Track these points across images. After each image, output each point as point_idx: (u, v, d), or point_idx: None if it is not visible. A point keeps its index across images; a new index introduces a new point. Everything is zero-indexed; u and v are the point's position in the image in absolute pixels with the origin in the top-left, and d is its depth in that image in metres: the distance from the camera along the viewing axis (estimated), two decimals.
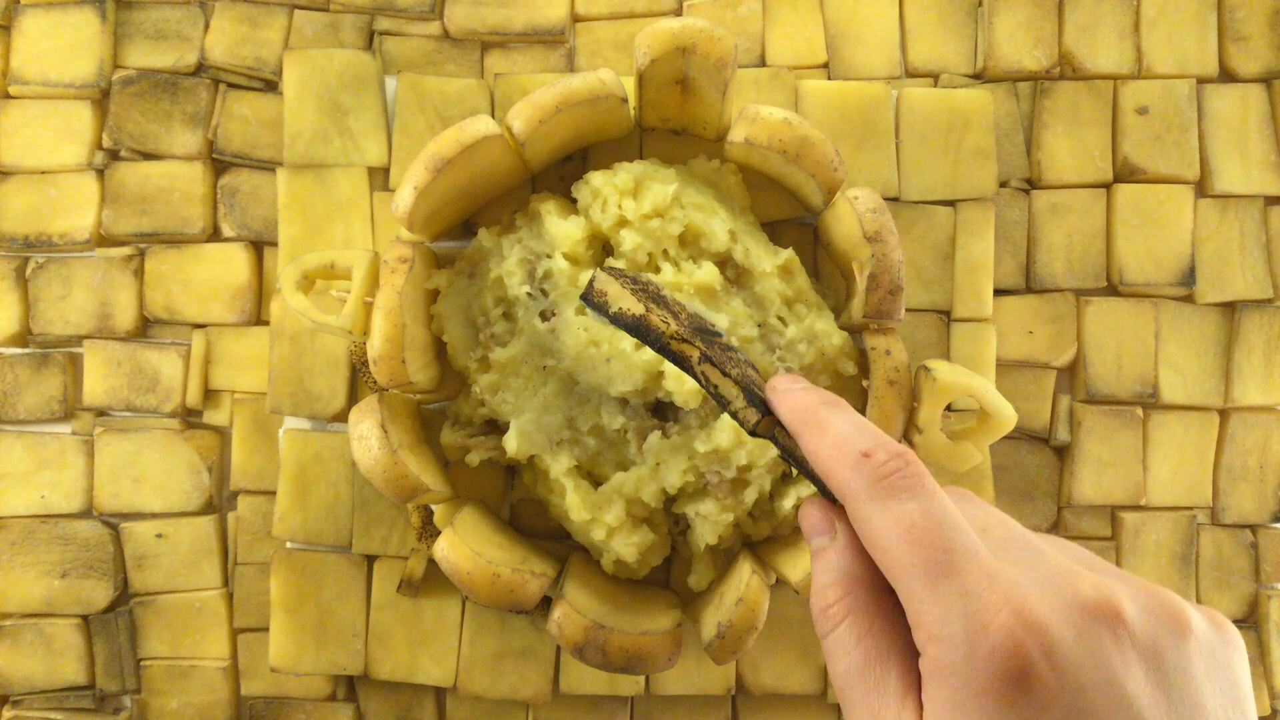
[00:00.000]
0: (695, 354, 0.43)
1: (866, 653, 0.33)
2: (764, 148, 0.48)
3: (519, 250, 0.50)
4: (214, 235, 0.58)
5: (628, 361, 0.48)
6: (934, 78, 0.59)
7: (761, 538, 0.52)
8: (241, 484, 0.57)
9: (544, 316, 0.50)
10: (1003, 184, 0.58)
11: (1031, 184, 0.58)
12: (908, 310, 0.55)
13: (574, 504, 0.50)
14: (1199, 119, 0.58)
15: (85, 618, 0.56)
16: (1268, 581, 0.58)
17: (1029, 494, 0.57)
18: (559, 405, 0.50)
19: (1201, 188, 0.58)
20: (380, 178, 0.56)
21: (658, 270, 0.50)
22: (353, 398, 0.55)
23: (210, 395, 0.57)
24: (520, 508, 0.55)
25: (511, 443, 0.50)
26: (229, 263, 0.57)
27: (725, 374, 0.42)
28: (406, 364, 0.47)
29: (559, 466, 0.50)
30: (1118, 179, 0.58)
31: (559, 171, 0.54)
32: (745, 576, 0.48)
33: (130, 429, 0.57)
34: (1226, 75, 0.59)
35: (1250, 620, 0.57)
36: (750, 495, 0.50)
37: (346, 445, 0.55)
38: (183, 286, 0.57)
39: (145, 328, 0.58)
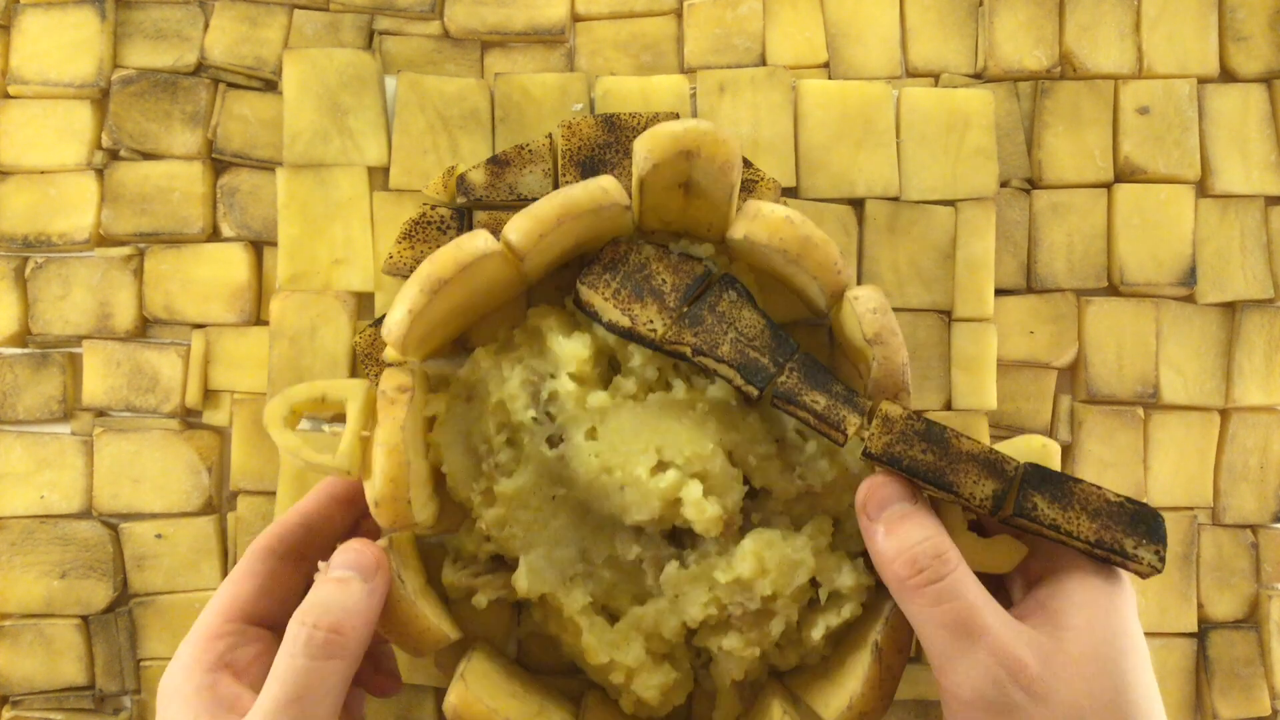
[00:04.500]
0: (688, 349, 0.45)
1: (981, 588, 0.42)
2: (764, 246, 0.45)
3: (520, 371, 0.47)
4: (214, 235, 0.58)
5: (643, 489, 0.45)
6: (934, 77, 0.58)
7: (789, 667, 0.49)
8: (241, 484, 0.56)
9: (551, 442, 0.47)
10: (1003, 184, 0.58)
11: (1032, 184, 0.58)
12: (908, 310, 0.55)
13: (590, 646, 0.47)
14: (1200, 119, 0.58)
15: (85, 618, 0.56)
16: (1268, 582, 0.58)
17: None
18: (571, 537, 0.48)
19: (1202, 188, 0.58)
20: (380, 177, 0.56)
21: (669, 388, 0.48)
22: None
23: (210, 395, 0.57)
24: (529, 641, 0.53)
25: (522, 582, 0.47)
26: (229, 263, 0.57)
27: (719, 360, 0.45)
28: (411, 504, 0.44)
29: (573, 604, 0.47)
30: (1118, 179, 0.58)
31: (556, 280, 0.51)
32: (776, 718, 0.45)
33: (130, 429, 0.57)
34: (1227, 75, 0.59)
35: (1250, 620, 0.57)
36: (776, 627, 0.47)
37: None
38: (182, 286, 0.57)
39: (145, 328, 0.58)
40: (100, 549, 0.56)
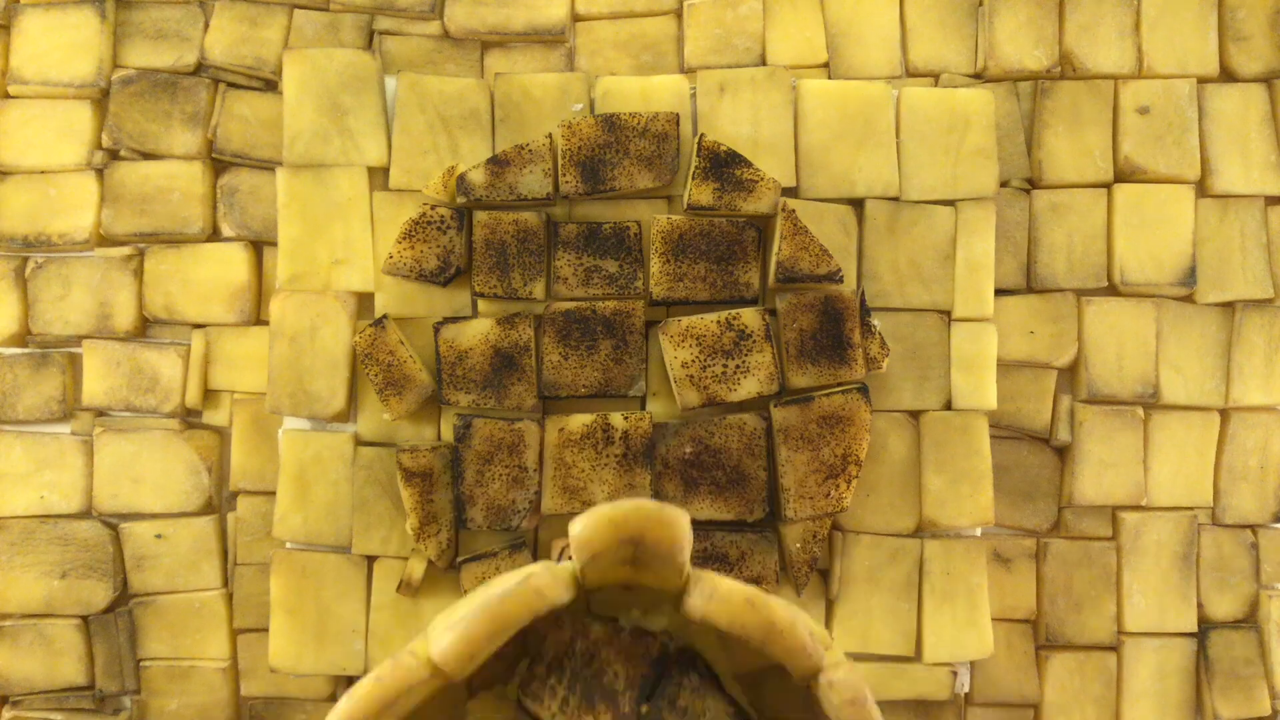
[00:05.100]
0: None
1: None
2: (725, 630, 0.39)
3: None
4: (213, 235, 0.58)
5: None
6: (935, 77, 0.59)
7: None
8: (241, 484, 0.57)
9: None
10: (1003, 184, 0.58)
11: (1032, 184, 0.58)
12: (909, 310, 0.55)
13: None
14: (1199, 119, 0.58)
15: (85, 618, 0.56)
16: (1268, 582, 0.58)
17: (1030, 494, 0.57)
18: None
19: (1202, 188, 0.58)
20: (380, 177, 0.56)
21: None
22: (353, 398, 0.55)
23: (210, 395, 0.57)
24: None
25: None
26: (228, 263, 0.57)
27: None
28: None
29: None
30: (1118, 179, 0.58)
31: (497, 650, 0.45)
32: None
33: (130, 429, 0.57)
34: (1227, 75, 0.59)
35: (1250, 620, 0.57)
36: None
37: (346, 445, 0.54)
38: (182, 286, 0.57)
39: (145, 328, 0.58)
40: (100, 549, 0.56)
